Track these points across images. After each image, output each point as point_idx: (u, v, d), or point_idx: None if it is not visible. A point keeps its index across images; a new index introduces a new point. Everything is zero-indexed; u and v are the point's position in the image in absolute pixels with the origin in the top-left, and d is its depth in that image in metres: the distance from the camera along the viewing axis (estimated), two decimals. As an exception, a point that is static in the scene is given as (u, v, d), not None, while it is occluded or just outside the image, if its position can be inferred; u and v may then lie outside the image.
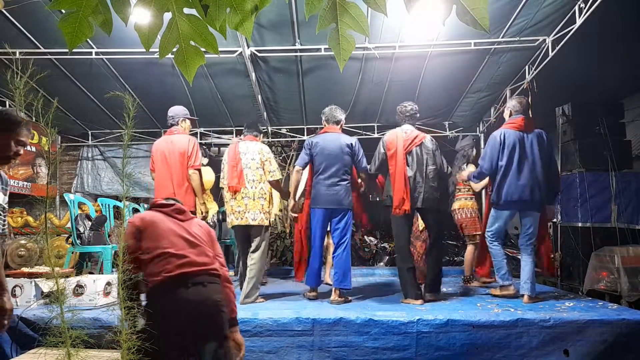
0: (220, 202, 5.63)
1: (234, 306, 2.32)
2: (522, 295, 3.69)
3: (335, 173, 3.83)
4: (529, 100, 5.20)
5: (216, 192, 6.01)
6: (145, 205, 5.59)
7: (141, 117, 6.27)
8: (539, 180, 3.70)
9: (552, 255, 6.76)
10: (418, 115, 4.08)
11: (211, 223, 5.30)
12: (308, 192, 4.03)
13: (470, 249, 4.91)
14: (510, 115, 3.95)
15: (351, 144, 3.90)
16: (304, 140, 6.88)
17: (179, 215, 2.32)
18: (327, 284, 4.72)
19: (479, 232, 4.65)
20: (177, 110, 4.16)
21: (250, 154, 4.00)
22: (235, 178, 3.93)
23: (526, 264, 3.75)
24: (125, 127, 2.70)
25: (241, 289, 3.95)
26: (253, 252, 3.89)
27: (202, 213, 3.99)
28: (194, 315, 2.06)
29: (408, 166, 3.85)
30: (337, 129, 4.04)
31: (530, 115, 5.17)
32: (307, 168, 4.06)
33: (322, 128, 4.18)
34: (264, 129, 6.99)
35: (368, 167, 4.06)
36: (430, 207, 3.86)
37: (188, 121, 4.19)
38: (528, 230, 3.82)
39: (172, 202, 2.38)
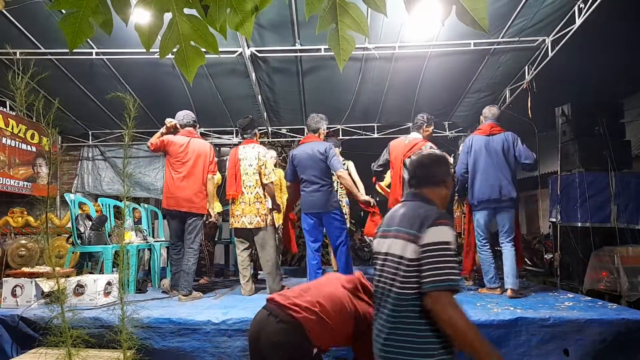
0: (222, 201, 5.64)
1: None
2: (507, 290, 3.88)
3: (314, 180, 4.04)
4: (529, 100, 5.22)
5: (218, 191, 6.02)
6: (146, 205, 5.58)
7: (141, 117, 6.26)
8: (507, 179, 3.90)
9: (546, 256, 6.76)
10: (425, 124, 4.35)
11: (208, 223, 5.31)
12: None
13: None
14: (481, 122, 4.23)
15: (324, 149, 4.06)
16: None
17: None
18: None
19: None
20: (194, 115, 4.31)
21: (248, 160, 4.13)
22: (233, 186, 4.12)
23: (507, 260, 3.93)
24: (125, 127, 2.71)
25: (241, 284, 4.20)
26: (262, 252, 4.11)
27: (211, 216, 4.21)
28: (251, 341, 2.11)
29: (407, 169, 4.02)
30: (315, 137, 4.20)
31: (530, 116, 5.19)
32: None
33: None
34: (263, 129, 7.01)
35: (342, 167, 4.21)
36: None
37: None
38: (504, 227, 3.99)
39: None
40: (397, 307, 1.62)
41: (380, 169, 4.41)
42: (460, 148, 5.01)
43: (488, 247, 4.07)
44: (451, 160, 4.92)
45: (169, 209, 4.01)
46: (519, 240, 4.21)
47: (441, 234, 1.58)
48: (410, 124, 6.97)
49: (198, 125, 4.34)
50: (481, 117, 4.28)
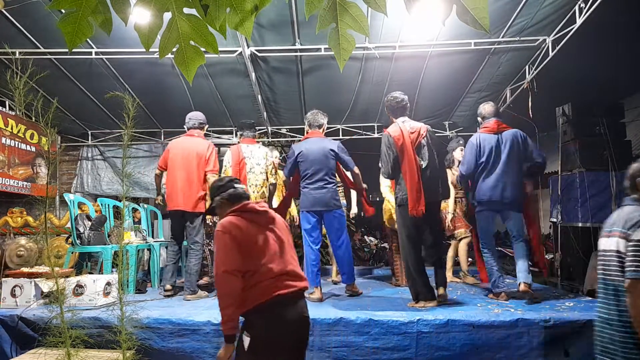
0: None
1: None
2: (519, 284, 3.64)
3: (322, 177, 3.92)
4: (529, 99, 5.21)
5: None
6: (145, 206, 5.58)
7: (141, 117, 6.26)
8: (511, 180, 3.65)
9: (546, 257, 6.70)
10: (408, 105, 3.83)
11: (210, 223, 5.30)
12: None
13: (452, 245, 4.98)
14: (481, 121, 3.95)
15: (336, 147, 3.97)
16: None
17: (263, 219, 2.17)
18: (334, 282, 4.98)
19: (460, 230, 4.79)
20: (203, 117, 4.30)
21: (256, 159, 4.08)
22: None
23: (518, 257, 3.74)
24: (125, 127, 2.71)
25: None
26: None
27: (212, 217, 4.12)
28: (293, 335, 2.08)
29: (421, 159, 3.52)
30: (319, 134, 4.10)
31: (531, 116, 5.18)
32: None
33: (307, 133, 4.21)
34: (263, 129, 7.01)
35: (355, 166, 4.04)
36: (443, 199, 3.83)
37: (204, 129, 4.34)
38: (512, 233, 3.82)
39: (253, 206, 2.17)
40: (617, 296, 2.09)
41: (394, 172, 3.58)
42: (458, 149, 4.90)
43: (487, 248, 3.83)
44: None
45: (169, 209, 4.09)
46: (535, 239, 3.93)
47: None
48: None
49: (202, 125, 4.26)
50: (478, 117, 4.00)
